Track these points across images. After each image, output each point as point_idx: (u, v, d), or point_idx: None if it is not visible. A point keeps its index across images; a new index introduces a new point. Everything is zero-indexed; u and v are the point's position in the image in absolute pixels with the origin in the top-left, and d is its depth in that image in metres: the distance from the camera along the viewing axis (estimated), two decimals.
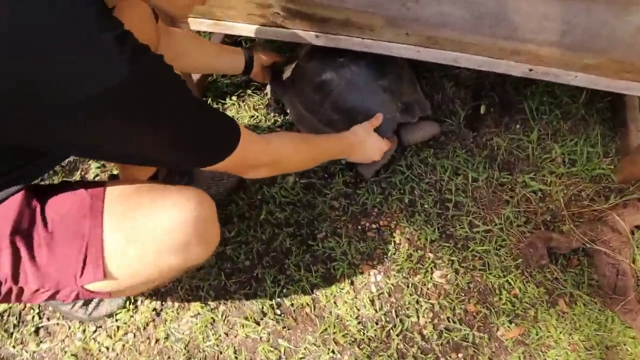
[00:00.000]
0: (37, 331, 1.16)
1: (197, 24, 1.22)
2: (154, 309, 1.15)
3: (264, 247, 1.21)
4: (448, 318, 1.10)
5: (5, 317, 1.18)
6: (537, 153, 1.29)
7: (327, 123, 1.24)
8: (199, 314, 1.14)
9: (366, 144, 1.17)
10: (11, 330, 1.16)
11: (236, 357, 1.08)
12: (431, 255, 1.17)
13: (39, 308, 1.19)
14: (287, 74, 1.34)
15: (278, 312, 1.13)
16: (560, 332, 1.06)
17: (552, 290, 1.11)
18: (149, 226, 0.77)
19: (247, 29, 1.19)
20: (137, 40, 0.60)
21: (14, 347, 1.14)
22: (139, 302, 1.17)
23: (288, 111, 1.37)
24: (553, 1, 0.89)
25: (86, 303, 1.14)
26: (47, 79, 0.54)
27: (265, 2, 1.09)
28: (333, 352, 1.07)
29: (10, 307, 1.19)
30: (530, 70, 1.05)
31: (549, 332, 1.06)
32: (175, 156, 0.75)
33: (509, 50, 1.02)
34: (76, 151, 0.82)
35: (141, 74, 0.59)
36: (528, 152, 1.29)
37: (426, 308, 1.11)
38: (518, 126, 1.34)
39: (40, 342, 1.15)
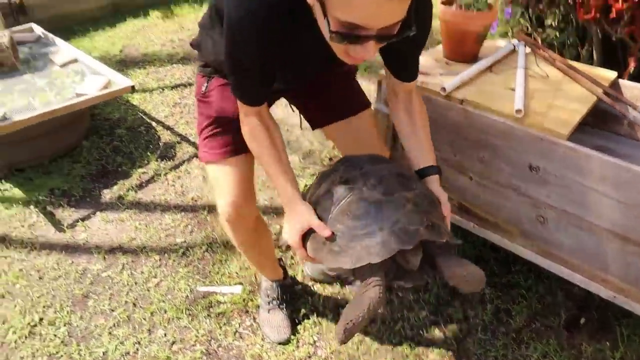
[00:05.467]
0: None
1: None
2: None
3: None
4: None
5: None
6: None
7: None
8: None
9: (288, 215, 1.16)
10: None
11: None
12: None
13: None
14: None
15: None
16: None
17: None
18: None
19: None
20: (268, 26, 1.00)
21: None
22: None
23: None
24: (636, 257, 1.41)
25: None
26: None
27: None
28: None
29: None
30: (614, 297, 1.52)
31: None
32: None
33: (601, 278, 1.52)
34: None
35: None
36: None
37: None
38: (608, 343, 1.72)
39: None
